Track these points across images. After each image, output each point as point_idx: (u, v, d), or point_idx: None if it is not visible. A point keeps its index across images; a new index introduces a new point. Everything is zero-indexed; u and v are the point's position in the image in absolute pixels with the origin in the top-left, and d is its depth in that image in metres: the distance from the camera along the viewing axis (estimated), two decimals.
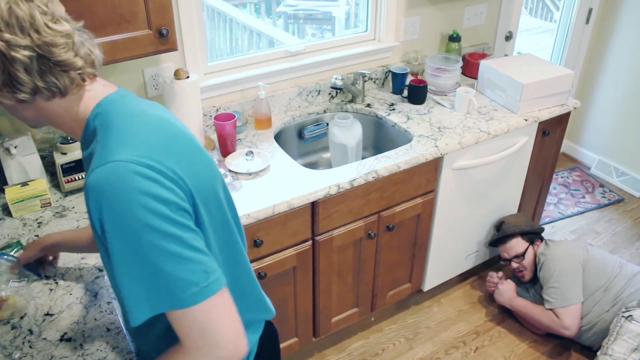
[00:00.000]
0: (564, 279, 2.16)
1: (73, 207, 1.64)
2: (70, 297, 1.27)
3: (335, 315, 2.16)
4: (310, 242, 1.87)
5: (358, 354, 2.29)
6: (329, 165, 2.28)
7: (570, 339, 2.29)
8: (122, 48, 1.49)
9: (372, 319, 2.44)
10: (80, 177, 1.69)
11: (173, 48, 1.59)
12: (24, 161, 1.66)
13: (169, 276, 0.77)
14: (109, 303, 1.25)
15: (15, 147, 1.62)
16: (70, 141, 1.70)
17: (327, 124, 2.27)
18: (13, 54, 0.77)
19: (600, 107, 3.38)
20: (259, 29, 2.55)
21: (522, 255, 2.34)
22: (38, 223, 1.56)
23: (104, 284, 1.32)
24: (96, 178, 0.77)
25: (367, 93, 2.42)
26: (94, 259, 1.39)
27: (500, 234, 2.38)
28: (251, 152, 1.88)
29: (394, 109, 2.28)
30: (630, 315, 1.99)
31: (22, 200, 1.58)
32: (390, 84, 2.45)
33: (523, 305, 2.30)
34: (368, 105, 2.32)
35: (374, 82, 2.47)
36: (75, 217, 1.59)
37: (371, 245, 2.06)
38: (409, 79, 2.39)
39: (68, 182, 1.68)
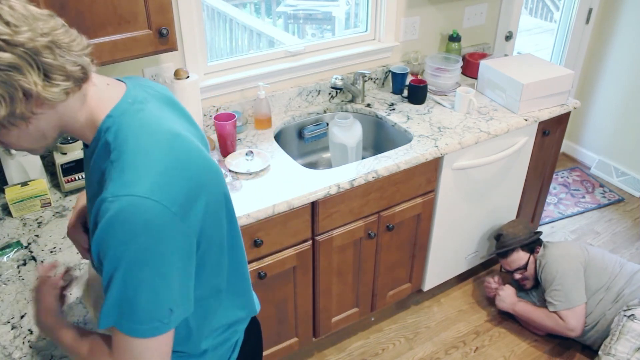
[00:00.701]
0: (566, 280, 2.16)
1: (73, 207, 1.64)
2: (70, 297, 1.27)
3: (335, 315, 2.16)
4: (310, 242, 1.87)
5: (358, 354, 2.29)
6: (329, 165, 2.28)
7: (570, 339, 2.29)
8: (122, 48, 1.49)
9: (372, 319, 2.44)
10: (80, 177, 1.69)
11: (173, 48, 1.59)
12: (24, 161, 1.66)
13: (140, 306, 0.84)
14: None
15: None
16: (71, 141, 1.70)
17: (327, 124, 2.27)
18: (40, 44, 0.77)
19: (600, 107, 3.38)
20: (259, 29, 2.55)
21: (524, 267, 2.34)
22: (38, 223, 1.56)
23: None
24: (111, 209, 0.80)
25: (367, 93, 2.42)
26: None
27: (501, 247, 2.38)
28: (251, 152, 1.88)
29: (394, 109, 2.28)
30: (633, 314, 1.98)
31: (22, 200, 1.58)
32: (390, 84, 2.45)
33: (526, 309, 2.30)
34: (368, 105, 2.32)
35: (374, 82, 2.47)
36: None
37: (371, 245, 2.06)
38: (409, 79, 2.39)
39: (68, 182, 1.68)
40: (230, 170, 1.82)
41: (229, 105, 2.10)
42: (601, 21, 3.22)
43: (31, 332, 1.19)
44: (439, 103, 2.32)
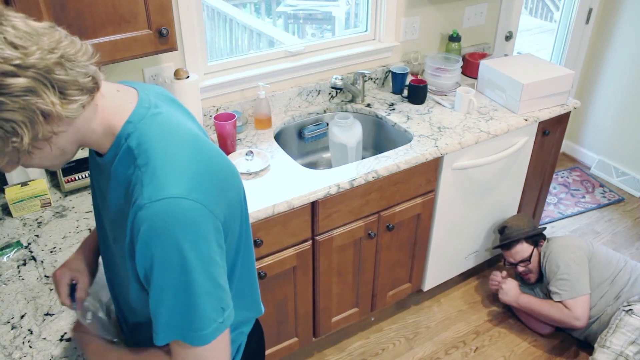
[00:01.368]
0: (571, 270, 2.15)
1: (73, 207, 1.64)
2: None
3: (335, 315, 2.16)
4: (310, 242, 1.87)
5: (358, 354, 2.29)
6: (329, 165, 2.28)
7: (570, 337, 2.29)
8: (122, 48, 1.49)
9: (372, 319, 2.44)
10: (79, 177, 1.69)
11: (173, 48, 1.59)
12: None
13: (198, 311, 0.83)
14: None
15: None
16: None
17: (327, 124, 2.27)
18: (51, 61, 0.74)
19: (600, 107, 3.38)
20: (259, 29, 2.54)
21: (528, 260, 2.33)
22: (38, 223, 1.56)
23: (104, 283, 1.32)
24: (151, 214, 0.79)
25: (367, 93, 2.42)
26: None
27: (505, 239, 2.37)
28: (251, 152, 1.88)
29: (394, 109, 2.28)
30: (631, 309, 2.00)
31: (22, 200, 1.58)
32: (390, 84, 2.45)
33: (530, 301, 2.28)
34: (368, 105, 2.32)
35: (374, 82, 2.47)
36: (75, 217, 1.59)
37: (371, 245, 2.06)
38: (409, 79, 2.39)
39: (68, 182, 1.68)
40: None
41: (229, 105, 2.10)
42: (601, 21, 3.22)
43: (31, 332, 1.19)
44: (439, 103, 2.32)
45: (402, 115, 2.23)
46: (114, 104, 0.87)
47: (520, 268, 2.36)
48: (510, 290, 2.34)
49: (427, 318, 2.46)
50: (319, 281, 1.99)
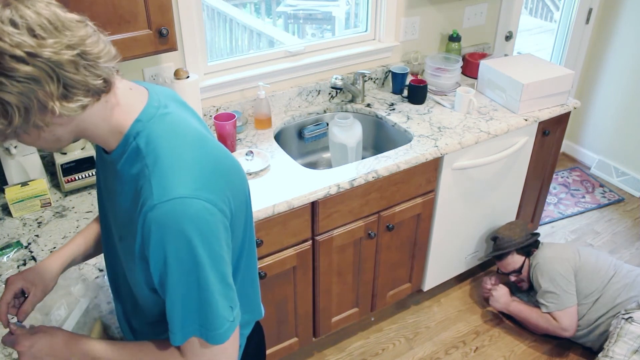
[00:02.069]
0: (558, 282, 2.16)
1: (73, 207, 1.64)
2: (70, 297, 1.27)
3: (335, 315, 2.16)
4: (310, 242, 1.87)
5: (358, 354, 2.29)
6: (329, 165, 2.28)
7: (570, 340, 2.29)
8: (122, 48, 1.48)
9: (372, 319, 2.44)
10: (79, 177, 1.69)
11: (173, 48, 1.59)
12: (24, 161, 1.66)
13: (213, 309, 0.84)
14: (108, 303, 1.25)
15: (15, 147, 1.62)
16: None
17: (327, 124, 2.27)
18: (65, 57, 0.73)
19: (600, 107, 3.38)
20: (259, 29, 2.54)
21: (519, 271, 2.34)
22: (38, 223, 1.56)
23: (103, 283, 1.32)
24: (162, 214, 0.79)
25: (367, 93, 2.42)
26: (94, 259, 1.39)
27: (495, 251, 2.38)
28: (251, 152, 1.88)
29: (394, 109, 2.28)
30: (631, 317, 1.98)
31: (22, 200, 1.58)
32: (390, 84, 2.45)
33: (520, 309, 2.31)
34: (368, 105, 2.32)
35: (374, 82, 2.47)
36: (75, 217, 1.59)
37: (371, 245, 2.06)
38: (409, 79, 2.39)
39: (68, 182, 1.68)
40: None
41: (229, 105, 2.10)
42: (601, 21, 3.22)
43: None
44: (439, 103, 2.32)
45: (402, 115, 2.23)
46: (125, 101, 0.86)
47: (513, 278, 2.37)
48: (501, 297, 2.35)
49: (427, 318, 2.46)
50: (319, 281, 1.99)
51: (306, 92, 2.27)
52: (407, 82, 2.36)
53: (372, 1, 2.34)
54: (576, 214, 3.13)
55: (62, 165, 1.66)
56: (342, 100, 2.36)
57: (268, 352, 2.01)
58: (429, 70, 2.40)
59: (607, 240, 2.93)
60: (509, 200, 2.48)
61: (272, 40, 2.45)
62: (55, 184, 1.75)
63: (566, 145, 3.66)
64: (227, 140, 1.89)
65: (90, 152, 1.71)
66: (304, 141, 2.27)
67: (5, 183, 1.67)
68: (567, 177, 3.46)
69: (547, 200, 3.09)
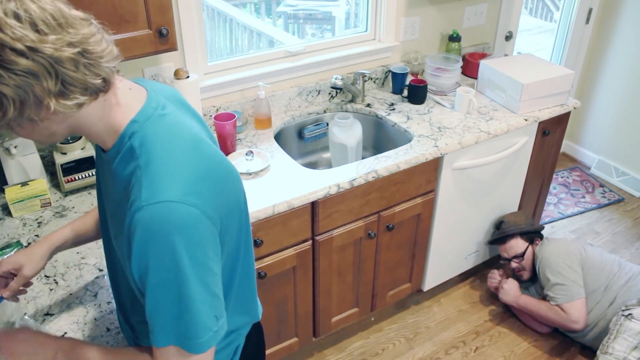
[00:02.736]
0: (566, 274, 2.16)
1: (73, 207, 1.64)
2: (70, 297, 1.27)
3: (335, 315, 2.16)
4: (310, 242, 1.87)
5: (358, 354, 2.29)
6: (329, 165, 2.28)
7: (570, 339, 2.29)
8: (122, 48, 1.47)
9: (372, 319, 2.44)
10: (79, 177, 1.69)
11: (173, 48, 1.59)
12: (24, 161, 1.66)
13: (194, 318, 0.83)
14: (108, 303, 1.26)
15: (15, 147, 1.62)
16: (71, 141, 1.70)
17: (327, 124, 2.27)
18: (65, 54, 0.73)
19: (600, 107, 3.38)
20: (259, 29, 2.54)
21: (521, 256, 2.34)
22: (38, 223, 1.56)
23: (103, 283, 1.32)
24: (148, 217, 0.79)
25: (367, 93, 2.42)
26: (93, 259, 1.39)
27: (500, 233, 2.38)
28: (251, 152, 1.88)
29: (394, 109, 2.28)
30: (630, 314, 1.99)
31: (22, 200, 1.58)
32: (390, 84, 2.45)
33: (529, 302, 2.29)
34: (368, 105, 2.32)
35: (374, 82, 2.47)
36: (75, 217, 1.59)
37: (371, 245, 2.06)
38: (409, 79, 2.39)
39: (68, 182, 1.68)
40: None
41: (229, 105, 2.10)
42: (601, 21, 3.22)
43: None
44: (439, 103, 2.32)
45: (402, 115, 2.23)
46: (124, 102, 0.86)
47: (514, 264, 2.37)
48: (511, 290, 2.35)
49: (427, 318, 2.46)
50: (319, 281, 1.99)
51: (306, 92, 2.27)
52: (407, 82, 2.36)
53: (372, 1, 2.34)
54: (576, 214, 3.13)
55: (62, 165, 1.66)
56: (342, 100, 2.36)
57: (268, 352, 2.01)
58: (429, 70, 2.40)
59: (607, 240, 2.93)
60: (509, 200, 2.48)
61: (272, 40, 2.45)
62: (55, 184, 1.75)
63: (566, 145, 3.66)
64: (227, 140, 1.89)
65: (90, 152, 1.71)
66: (304, 141, 2.27)
67: (5, 183, 1.67)
68: (567, 177, 3.46)
69: (547, 200, 3.09)
